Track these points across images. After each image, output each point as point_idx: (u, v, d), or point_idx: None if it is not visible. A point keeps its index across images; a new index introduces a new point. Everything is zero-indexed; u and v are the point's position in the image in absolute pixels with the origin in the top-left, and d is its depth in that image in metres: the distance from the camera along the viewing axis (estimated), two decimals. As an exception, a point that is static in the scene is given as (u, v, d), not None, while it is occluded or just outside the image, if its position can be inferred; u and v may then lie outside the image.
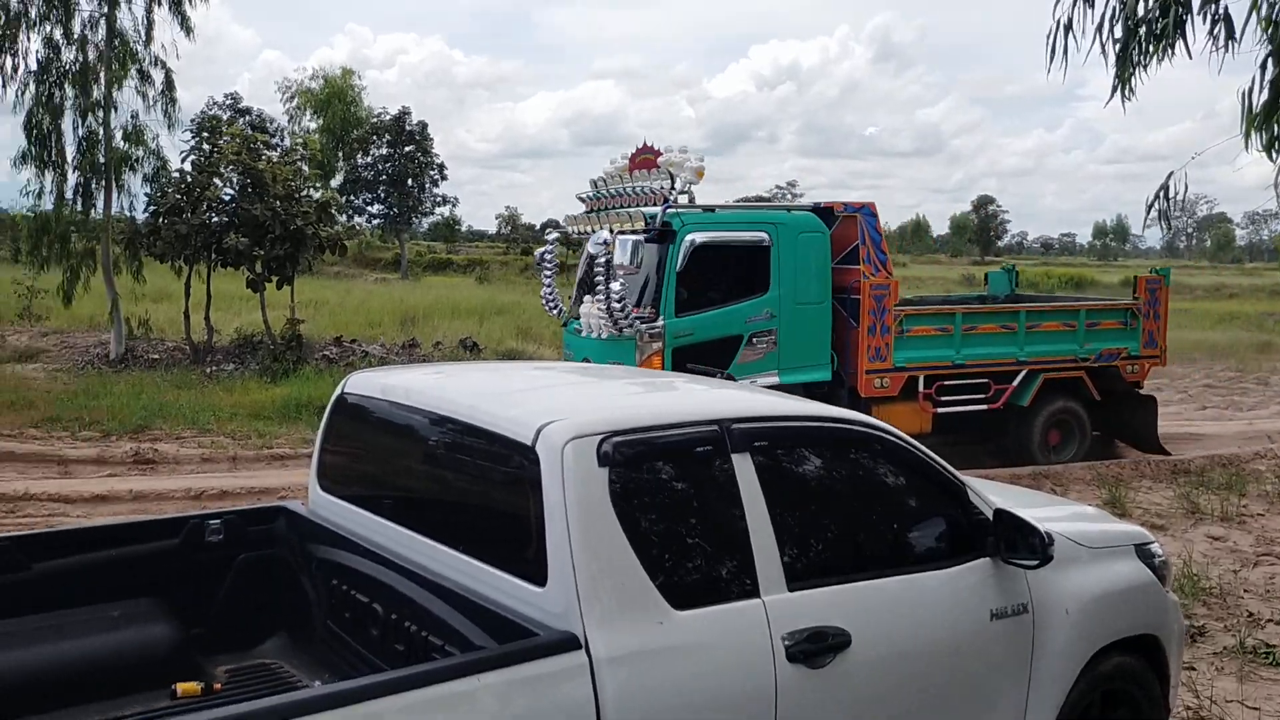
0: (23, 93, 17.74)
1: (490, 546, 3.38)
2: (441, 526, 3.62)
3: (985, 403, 11.96)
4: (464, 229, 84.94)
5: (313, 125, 49.24)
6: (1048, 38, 5.52)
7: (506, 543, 3.36)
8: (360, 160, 52.10)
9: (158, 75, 18.43)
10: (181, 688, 3.77)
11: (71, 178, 17.97)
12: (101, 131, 17.93)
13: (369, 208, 53.61)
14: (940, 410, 11.72)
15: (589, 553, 3.01)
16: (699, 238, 10.63)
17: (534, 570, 3.09)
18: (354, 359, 18.20)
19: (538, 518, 3.09)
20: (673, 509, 3.34)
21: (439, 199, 56.23)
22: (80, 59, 17.86)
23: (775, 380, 10.75)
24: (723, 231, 10.88)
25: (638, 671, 2.97)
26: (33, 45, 17.73)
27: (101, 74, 17.92)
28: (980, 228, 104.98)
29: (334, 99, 50.85)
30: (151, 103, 18.29)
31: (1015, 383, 12.04)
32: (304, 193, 18.54)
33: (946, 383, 11.77)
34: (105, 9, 17.94)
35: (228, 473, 11.14)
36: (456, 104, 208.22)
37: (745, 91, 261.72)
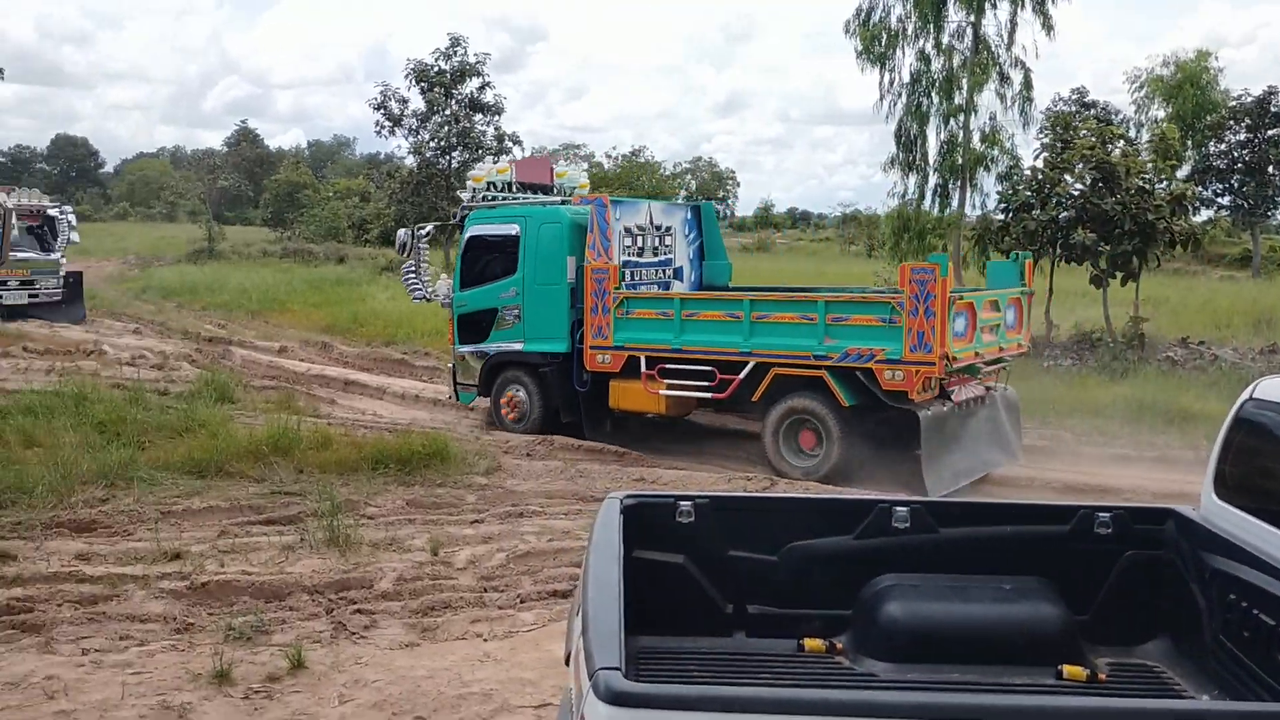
0: (895, 104, 19.80)
1: None
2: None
3: (711, 391, 11.30)
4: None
5: (1160, 114, 46.55)
6: None
7: None
8: (1212, 148, 47.90)
9: (1016, 76, 19.15)
10: (1068, 670, 3.91)
11: (932, 179, 19.55)
12: (961, 134, 19.18)
13: (1219, 199, 49.13)
14: (667, 393, 11.48)
15: None
16: (474, 229, 12.96)
17: None
18: (1201, 362, 16.91)
19: None
20: None
21: (1307, 187, 49.25)
22: (946, 68, 19.30)
23: (520, 347, 12.50)
24: (490, 225, 12.85)
25: None
26: (906, 59, 19.67)
27: (964, 80, 19.14)
28: None
29: (1185, 84, 47.41)
30: (1009, 103, 19.05)
31: (742, 374, 11.00)
32: (1155, 185, 17.72)
33: (669, 366, 11.48)
34: (971, 18, 19.11)
35: (1069, 466, 11.16)
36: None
37: None
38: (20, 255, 20.70)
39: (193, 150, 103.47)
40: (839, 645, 4.13)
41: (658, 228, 13.02)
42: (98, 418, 10.81)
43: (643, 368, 11.52)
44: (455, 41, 33.27)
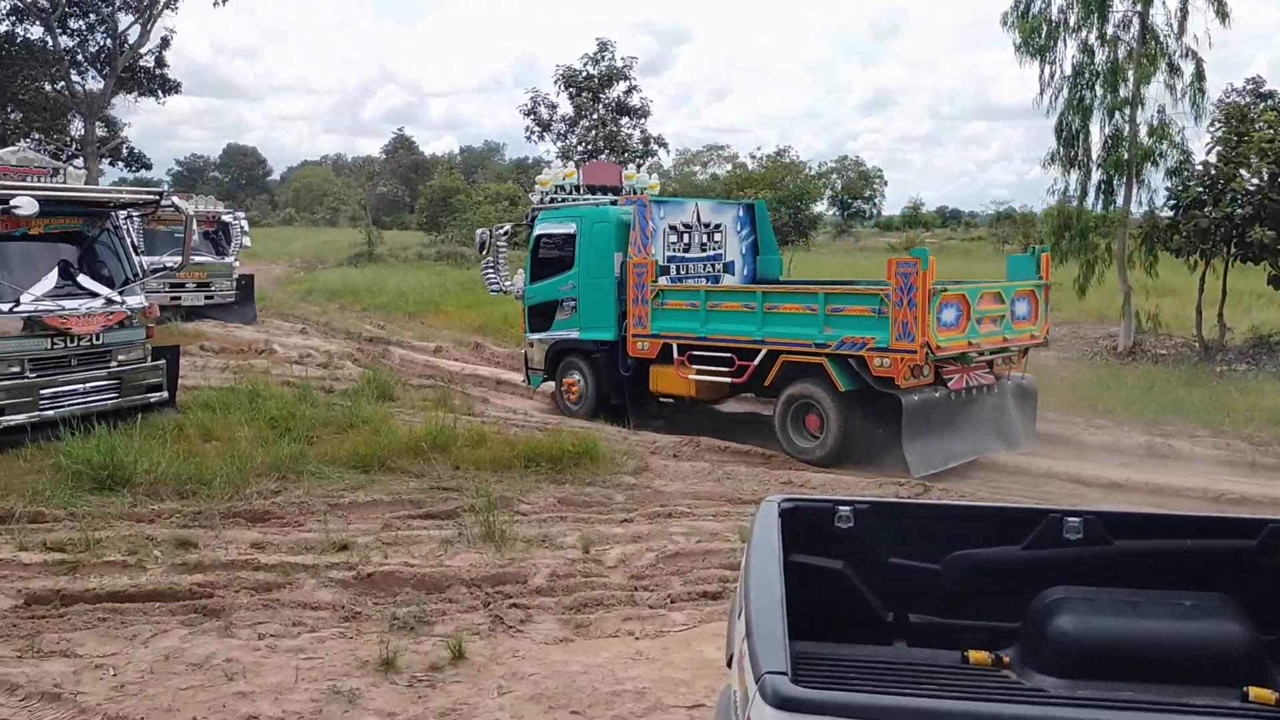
0: (1055, 98, 19.01)
1: None
2: None
3: (731, 375, 12.13)
4: None
5: (1348, 101, 43.49)
6: None
7: None
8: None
9: (1187, 67, 18.15)
10: (1254, 693, 3.70)
11: (1095, 175, 18.72)
12: (1127, 128, 18.31)
13: None
14: (696, 377, 12.41)
15: None
16: (540, 229, 14.22)
17: None
18: (1395, 369, 15.73)
19: None
20: None
21: None
22: (1111, 59, 18.44)
23: (576, 335, 13.68)
24: (553, 224, 14.06)
25: None
26: (1068, 52, 18.88)
27: (1130, 72, 18.25)
28: None
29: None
30: (1179, 95, 18.08)
31: (756, 361, 11.85)
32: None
33: (696, 352, 12.38)
34: (1138, 6, 18.23)
35: (1245, 478, 10.55)
36: None
37: None
38: (197, 259, 21.90)
39: (353, 158, 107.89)
40: (1005, 658, 4.01)
41: (706, 225, 14.09)
42: (269, 413, 11.39)
43: (675, 353, 12.59)
44: (603, 46, 33.78)
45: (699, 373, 12.39)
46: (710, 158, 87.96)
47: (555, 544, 7.92)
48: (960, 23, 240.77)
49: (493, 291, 16.00)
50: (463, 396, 14.47)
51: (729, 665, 3.30)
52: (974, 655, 4.03)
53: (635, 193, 14.82)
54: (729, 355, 12.05)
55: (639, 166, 35.50)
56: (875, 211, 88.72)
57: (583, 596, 6.81)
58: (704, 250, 14.06)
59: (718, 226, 14.25)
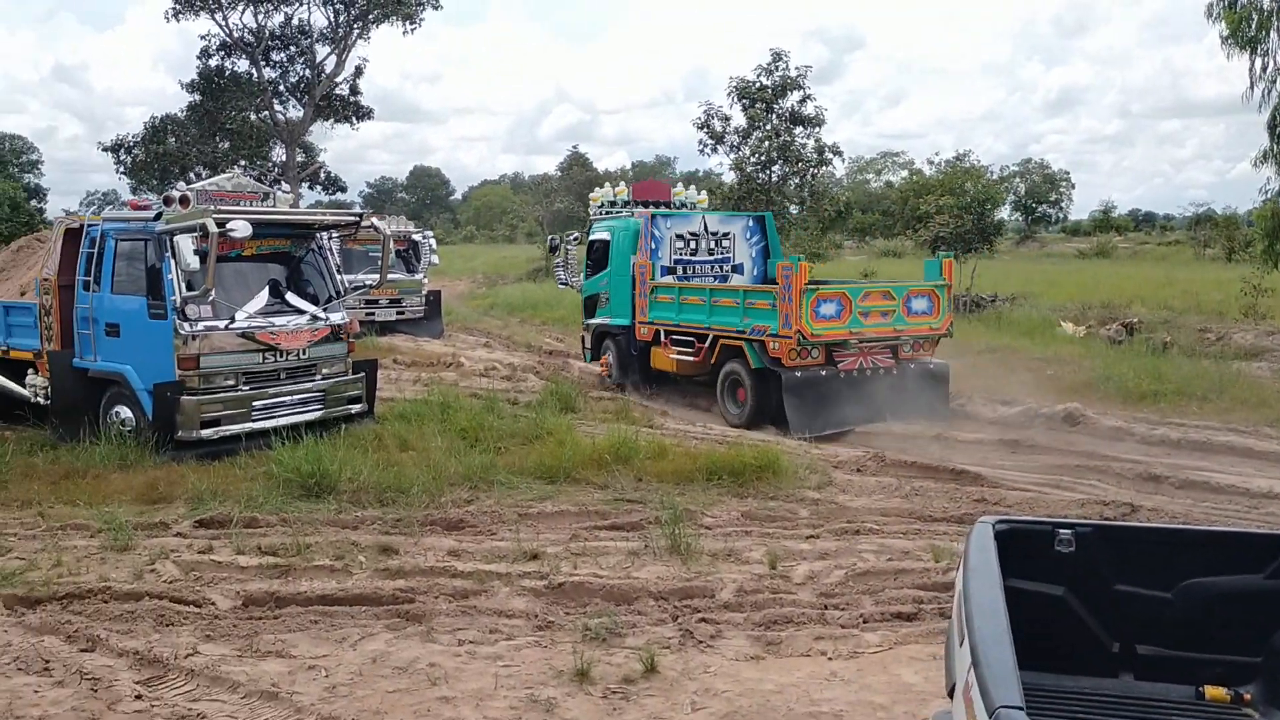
0: (1268, 91, 17.71)
1: None
2: None
3: (693, 356, 14.84)
4: None
5: None
6: None
7: None
8: None
9: None
10: None
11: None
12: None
13: None
14: (675, 357, 15.27)
15: None
16: (593, 235, 17.54)
17: None
18: None
19: None
20: None
21: None
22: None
23: (609, 321, 16.81)
24: (600, 232, 17.29)
25: None
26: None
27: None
28: None
29: None
30: None
31: (706, 344, 14.56)
32: None
33: (675, 337, 15.30)
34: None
35: None
36: None
37: None
38: (390, 276, 22.90)
39: (529, 176, 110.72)
40: (1246, 695, 3.71)
41: (713, 234, 16.82)
42: (460, 424, 11.76)
43: (662, 338, 15.55)
44: (777, 57, 33.48)
45: (678, 354, 15.20)
46: (884, 165, 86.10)
47: (741, 559, 7.85)
48: (1151, 16, 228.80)
49: (560, 285, 19.93)
50: (641, 409, 14.58)
51: (949, 695, 3.16)
52: (1210, 691, 3.74)
53: (685, 206, 17.59)
54: (692, 339, 14.86)
55: (814, 175, 35.16)
56: (1062, 216, 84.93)
57: (772, 613, 6.71)
58: (712, 254, 16.79)
59: (726, 235, 16.96)
